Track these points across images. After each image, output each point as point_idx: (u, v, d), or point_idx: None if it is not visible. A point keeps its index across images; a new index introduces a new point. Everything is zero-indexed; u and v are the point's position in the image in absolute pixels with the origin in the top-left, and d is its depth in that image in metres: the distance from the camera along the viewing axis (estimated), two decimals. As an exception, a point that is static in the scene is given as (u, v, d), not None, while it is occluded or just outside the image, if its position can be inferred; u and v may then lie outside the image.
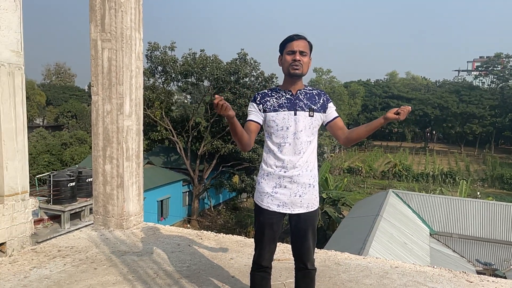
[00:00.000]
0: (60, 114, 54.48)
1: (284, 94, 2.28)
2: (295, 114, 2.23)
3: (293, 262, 2.37)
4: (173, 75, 27.08)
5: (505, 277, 16.11)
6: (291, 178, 2.25)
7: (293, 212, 2.27)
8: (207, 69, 26.14)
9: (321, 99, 2.33)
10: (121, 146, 3.99)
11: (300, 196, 2.26)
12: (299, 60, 2.21)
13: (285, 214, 2.29)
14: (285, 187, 2.25)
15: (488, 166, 54.24)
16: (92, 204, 15.80)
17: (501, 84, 69.37)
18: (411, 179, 46.99)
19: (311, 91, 2.33)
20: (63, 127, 51.83)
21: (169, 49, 26.47)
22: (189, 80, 27.67)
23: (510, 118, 63.02)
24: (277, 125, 2.24)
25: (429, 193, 29.20)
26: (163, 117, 27.15)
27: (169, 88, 28.72)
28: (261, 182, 2.31)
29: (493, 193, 41.81)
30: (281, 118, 2.24)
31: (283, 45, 2.27)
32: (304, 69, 2.23)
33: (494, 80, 71.32)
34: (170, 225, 4.39)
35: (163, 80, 27.54)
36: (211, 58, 26.82)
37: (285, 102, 2.25)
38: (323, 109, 2.32)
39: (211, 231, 4.33)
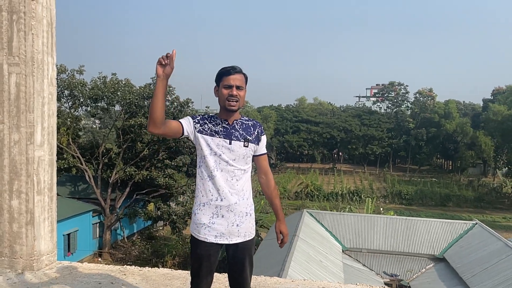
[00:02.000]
0: None
1: (220, 122, 2.30)
2: (230, 143, 2.25)
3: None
4: (81, 100, 25.57)
5: (409, 287, 17.52)
6: (228, 207, 2.24)
7: (231, 242, 2.26)
8: (118, 93, 25.18)
9: (256, 130, 2.38)
10: (32, 179, 3.64)
11: (237, 225, 2.26)
12: (236, 95, 2.24)
13: (222, 244, 2.26)
14: (222, 216, 2.24)
15: (388, 183, 59.39)
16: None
17: (395, 109, 77.26)
18: (323, 198, 49.50)
19: (247, 122, 2.37)
20: None
21: (77, 73, 25.07)
22: (99, 104, 26.36)
23: (404, 139, 70.22)
24: (211, 150, 2.24)
25: (339, 211, 30.94)
26: (69, 143, 25.37)
27: (77, 113, 27.06)
28: (197, 213, 2.27)
29: (394, 208, 45.67)
30: (215, 144, 2.25)
31: (220, 78, 2.28)
32: (240, 103, 2.27)
33: (390, 105, 79.19)
34: (79, 261, 4.06)
35: (70, 105, 25.87)
36: (123, 82, 25.93)
37: (221, 130, 2.27)
38: (257, 140, 2.37)
39: (132, 265, 4.11)
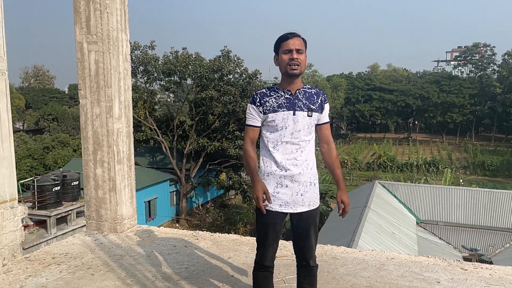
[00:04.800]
0: (40, 118, 53.49)
1: (283, 94, 2.27)
2: (294, 114, 2.22)
3: (291, 258, 2.38)
4: (155, 75, 26.80)
5: (491, 262, 16.52)
6: (292, 177, 2.24)
7: (296, 211, 2.27)
8: (189, 67, 25.94)
9: (319, 98, 2.33)
10: (112, 149, 3.94)
11: (301, 194, 2.26)
12: (297, 59, 2.19)
13: (287, 213, 2.29)
14: (286, 186, 2.25)
15: (470, 153, 55.41)
16: (78, 207, 15.53)
17: (479, 73, 70.83)
18: (396, 169, 47.68)
19: (310, 90, 2.33)
20: (44, 131, 50.86)
21: (149, 48, 26.18)
22: (172, 79, 27.44)
23: (489, 106, 64.43)
24: (276, 125, 2.24)
25: (414, 182, 29.67)
26: (147, 117, 26.88)
27: (152, 87, 28.45)
28: None
29: (476, 180, 42.77)
30: (280, 118, 2.23)
31: (278, 45, 2.25)
32: (302, 67, 2.22)
33: (473, 69, 72.77)
34: (159, 226, 4.36)
35: (145, 80, 27.25)
36: (194, 56, 26.62)
37: (284, 102, 2.24)
38: (321, 109, 2.33)
39: (206, 231, 4.32)
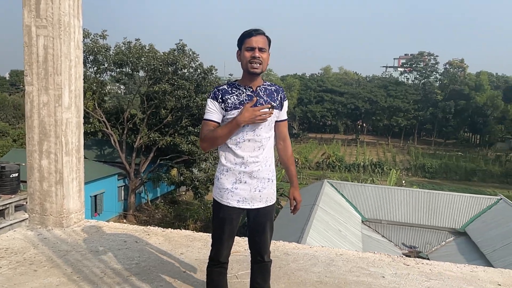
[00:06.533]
0: (-24, 104, 49.71)
1: (244, 90, 2.25)
2: None
3: (244, 254, 2.39)
4: (105, 65, 25.80)
5: (428, 259, 17.54)
6: (251, 174, 2.25)
7: (253, 207, 2.28)
8: (142, 59, 25.24)
9: (279, 96, 2.35)
10: (60, 140, 3.75)
11: (259, 191, 2.28)
12: (259, 57, 2.17)
13: (244, 209, 2.30)
14: (245, 182, 2.25)
15: (412, 156, 58.52)
16: (17, 201, 14.72)
17: (423, 80, 75.04)
18: (344, 169, 49.34)
19: (270, 87, 2.33)
20: (-20, 119, 47.37)
21: (100, 37, 25.17)
22: (124, 70, 26.55)
23: (431, 112, 68.43)
24: None
25: (361, 182, 30.84)
26: (95, 108, 25.85)
27: (102, 78, 27.37)
28: (220, 178, 2.28)
29: (416, 181, 45.23)
30: None
31: (241, 41, 2.22)
32: (263, 66, 2.20)
33: (417, 76, 76.89)
34: (105, 221, 4.21)
35: (95, 70, 26.17)
36: (147, 48, 25.94)
37: (246, 99, 2.22)
38: (280, 106, 2.35)
39: (158, 227, 4.24)
